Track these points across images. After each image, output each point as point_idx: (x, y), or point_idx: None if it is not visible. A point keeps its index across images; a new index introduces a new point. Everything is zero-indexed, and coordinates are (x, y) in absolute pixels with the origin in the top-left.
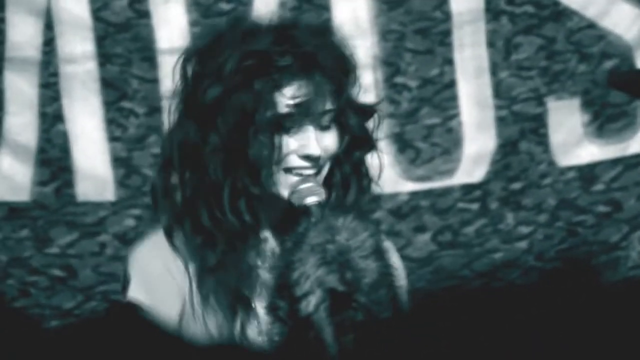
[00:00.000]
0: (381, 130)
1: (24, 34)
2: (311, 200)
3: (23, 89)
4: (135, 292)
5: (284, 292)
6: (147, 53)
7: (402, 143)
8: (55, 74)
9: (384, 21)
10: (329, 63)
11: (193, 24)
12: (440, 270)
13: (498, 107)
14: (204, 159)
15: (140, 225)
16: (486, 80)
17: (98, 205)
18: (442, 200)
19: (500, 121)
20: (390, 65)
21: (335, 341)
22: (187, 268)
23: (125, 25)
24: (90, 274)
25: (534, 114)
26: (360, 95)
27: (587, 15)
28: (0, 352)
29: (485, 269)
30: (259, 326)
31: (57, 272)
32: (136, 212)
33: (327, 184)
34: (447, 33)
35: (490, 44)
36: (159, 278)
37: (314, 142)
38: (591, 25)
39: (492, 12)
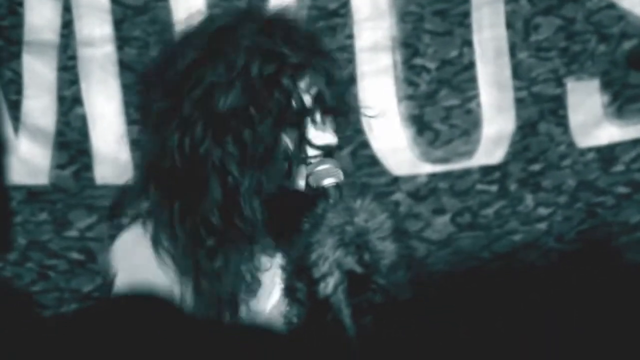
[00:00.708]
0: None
1: (42, 17)
2: (329, 181)
3: (41, 72)
4: (121, 283)
5: (302, 274)
6: (165, 36)
7: (421, 125)
8: (73, 57)
9: (403, 3)
10: (327, 52)
11: (211, 6)
12: (459, 252)
13: (517, 89)
14: (216, 162)
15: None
16: (505, 62)
17: (116, 189)
18: (461, 182)
19: (520, 102)
20: (409, 46)
21: (353, 323)
22: (172, 270)
23: (143, 8)
24: (107, 258)
25: (553, 95)
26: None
27: None
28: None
29: (504, 250)
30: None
31: (76, 256)
32: None
33: None
34: (466, 14)
35: (509, 25)
36: (145, 265)
37: (331, 130)
38: (611, 6)
39: None
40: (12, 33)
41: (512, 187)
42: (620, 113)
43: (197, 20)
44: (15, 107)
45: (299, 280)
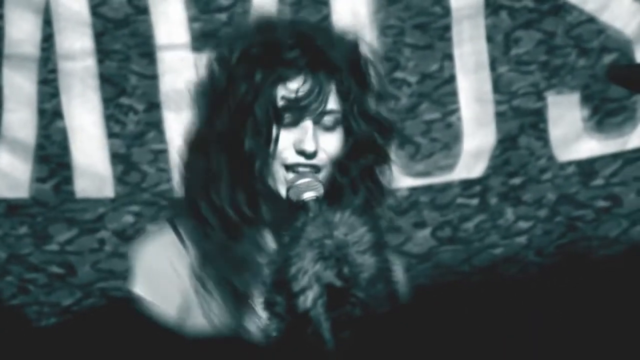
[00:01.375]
0: (393, 143)
1: (23, 30)
2: (309, 195)
3: (22, 85)
4: (139, 288)
5: (282, 288)
6: (146, 49)
7: (401, 138)
8: (53, 71)
9: (383, 16)
10: (339, 64)
11: (192, 19)
12: (439, 265)
13: (498, 102)
14: (208, 147)
15: (139, 222)
16: (486, 75)
17: (97, 202)
18: (442, 196)
19: (500, 116)
20: (389, 60)
21: (332, 336)
22: (188, 255)
23: (124, 22)
24: (89, 271)
25: (534, 109)
26: (378, 104)
27: (586, 10)
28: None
29: (484, 264)
30: (258, 322)
31: (56, 269)
32: (135, 208)
33: (333, 186)
34: (447, 28)
35: (490, 39)
36: (163, 275)
37: (311, 138)
38: (591, 20)
39: (491, 7)
40: None
41: (493, 200)
42: (600, 127)
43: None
44: None
45: (278, 293)
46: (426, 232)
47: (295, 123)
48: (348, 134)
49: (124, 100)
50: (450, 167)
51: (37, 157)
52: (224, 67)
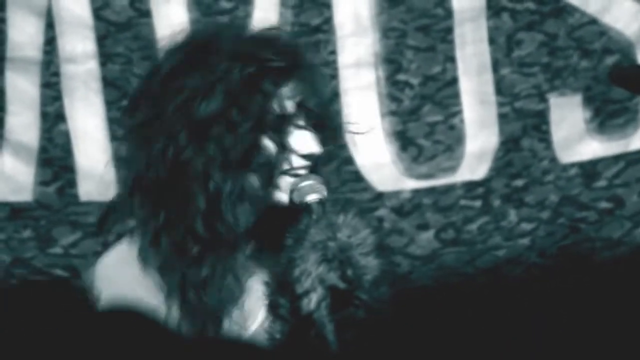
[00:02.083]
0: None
1: (25, 33)
2: (312, 197)
3: (24, 88)
4: (106, 304)
5: (285, 290)
6: (148, 52)
7: (404, 141)
8: (56, 74)
9: (385, 19)
10: (313, 60)
11: (194, 22)
12: (443, 267)
13: (500, 104)
14: (198, 169)
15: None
16: (488, 77)
17: (101, 205)
18: (445, 198)
19: (503, 118)
20: (392, 62)
21: (336, 338)
22: (158, 287)
23: (126, 24)
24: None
25: (536, 111)
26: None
27: (588, 12)
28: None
29: (488, 266)
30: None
31: (60, 272)
32: None
33: None
34: (449, 30)
35: (492, 41)
36: (128, 286)
37: (314, 140)
38: (592, 22)
39: (493, 9)
40: None
41: (496, 202)
42: (602, 128)
43: (180, 35)
44: None
45: (282, 296)
46: (429, 234)
47: (297, 127)
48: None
49: (127, 103)
50: (453, 169)
51: (40, 160)
52: (213, 91)
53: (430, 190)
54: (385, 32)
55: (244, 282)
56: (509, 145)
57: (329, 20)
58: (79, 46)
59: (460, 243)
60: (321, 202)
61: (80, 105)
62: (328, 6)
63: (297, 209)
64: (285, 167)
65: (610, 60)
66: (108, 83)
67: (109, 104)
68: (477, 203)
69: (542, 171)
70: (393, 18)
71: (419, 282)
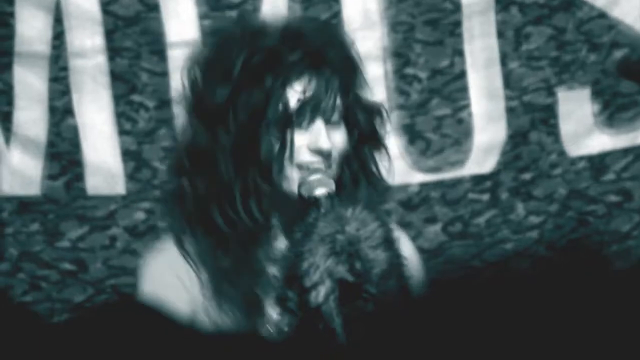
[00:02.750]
0: (388, 126)
1: (33, 28)
2: (320, 191)
3: (32, 83)
4: (147, 293)
5: (294, 283)
6: (157, 46)
7: (412, 134)
8: (64, 68)
9: (394, 13)
10: (337, 59)
11: (203, 16)
12: (451, 260)
13: (508, 98)
14: (214, 159)
15: (150, 219)
16: (496, 71)
17: (108, 199)
18: (453, 191)
19: (511, 112)
20: (400, 56)
21: (344, 332)
22: (198, 274)
23: (135, 19)
24: (101, 268)
25: (545, 105)
26: (367, 93)
27: (597, 5)
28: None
29: (495, 259)
30: (269, 324)
31: (67, 266)
32: (147, 205)
33: (337, 181)
34: (457, 24)
35: (500, 35)
36: (170, 290)
37: (325, 136)
38: (601, 15)
39: (501, 3)
40: (3, 44)
41: (504, 196)
42: (611, 122)
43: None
44: (6, 119)
45: (290, 289)
46: (437, 227)
47: (307, 123)
48: (349, 126)
49: (135, 98)
50: (461, 163)
51: (48, 155)
52: (224, 78)
53: (438, 184)
54: (394, 26)
55: (271, 269)
56: (517, 138)
57: (337, 14)
58: (88, 41)
59: (468, 236)
60: (329, 196)
61: (89, 99)
62: (336, 0)
63: (306, 203)
64: (291, 161)
65: (618, 53)
66: (116, 77)
67: (117, 98)
68: (485, 196)
69: (550, 164)
70: (401, 12)
71: (426, 275)
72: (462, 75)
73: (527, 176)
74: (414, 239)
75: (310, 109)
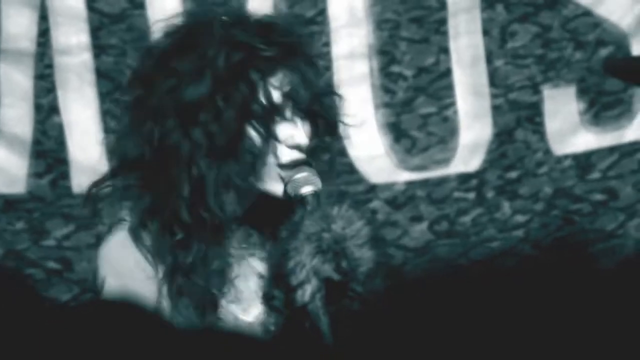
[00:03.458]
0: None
1: (19, 25)
2: (307, 189)
3: (18, 80)
4: (112, 287)
5: (280, 282)
6: (142, 43)
7: (397, 132)
8: (50, 66)
9: (379, 10)
10: (306, 52)
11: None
12: (436, 259)
13: (494, 96)
14: (184, 154)
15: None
16: (482, 69)
17: (94, 197)
18: (439, 190)
19: (496, 110)
20: (385, 54)
21: (331, 330)
22: (155, 269)
23: (120, 16)
24: (87, 266)
25: (530, 102)
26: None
27: (582, 3)
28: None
29: (481, 258)
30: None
31: (53, 265)
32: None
33: None
34: (443, 21)
35: (486, 32)
36: (132, 270)
37: (302, 130)
38: (587, 13)
39: (487, 1)
40: None
41: (489, 194)
42: (596, 120)
43: (175, 20)
44: None
45: (277, 288)
46: (423, 226)
47: (284, 118)
48: (313, 118)
49: (121, 95)
50: (446, 161)
51: (33, 153)
52: (201, 75)
53: (424, 182)
54: (379, 23)
55: (234, 270)
56: (502, 137)
57: (323, 12)
58: (73, 38)
59: (453, 235)
60: (316, 194)
61: (74, 97)
62: None
63: (292, 201)
64: (272, 157)
65: (604, 51)
66: (102, 75)
67: (103, 95)
68: (471, 195)
69: (536, 163)
70: (387, 9)
71: (412, 274)
72: (448, 73)
73: (512, 175)
74: (400, 237)
75: (291, 104)
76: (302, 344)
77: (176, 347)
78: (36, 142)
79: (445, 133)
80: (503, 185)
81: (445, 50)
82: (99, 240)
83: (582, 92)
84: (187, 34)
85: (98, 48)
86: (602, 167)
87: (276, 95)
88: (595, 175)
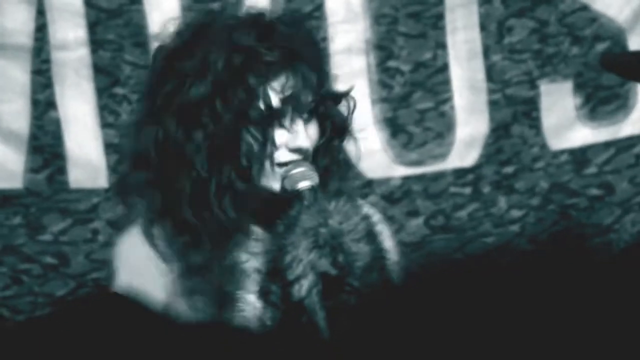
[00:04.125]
0: (355, 116)
1: (15, 20)
2: (304, 184)
3: (15, 76)
4: (123, 281)
5: (276, 276)
6: (140, 39)
7: (394, 127)
8: (47, 61)
9: (376, 5)
10: (310, 55)
11: (185, 9)
12: (432, 254)
13: (491, 91)
14: (186, 156)
15: (133, 212)
16: (479, 64)
17: (91, 192)
18: (435, 185)
19: (493, 105)
20: (382, 49)
21: (327, 325)
22: (167, 266)
23: (117, 11)
24: (83, 261)
25: (527, 97)
26: (331, 83)
27: None
28: None
29: (477, 252)
30: (246, 314)
31: (49, 260)
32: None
33: None
34: (440, 16)
35: (483, 27)
36: (145, 264)
37: (303, 133)
38: (584, 8)
39: None
40: None
41: (486, 189)
42: (593, 115)
43: (174, 23)
44: None
45: (273, 282)
46: (419, 220)
47: (285, 121)
48: (320, 119)
49: (118, 90)
50: (443, 156)
51: (30, 148)
52: (202, 76)
53: (420, 177)
54: (377, 18)
55: (243, 266)
56: (499, 132)
57: (320, 7)
58: (70, 33)
59: (450, 230)
60: (313, 189)
61: (71, 92)
62: None
63: (289, 196)
64: (272, 160)
65: (601, 47)
66: (99, 70)
67: (100, 91)
68: (467, 190)
69: (532, 158)
70: (384, 5)
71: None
72: (445, 68)
73: (509, 169)
74: (396, 232)
75: (291, 108)
76: (298, 339)
77: (177, 346)
78: (33, 137)
79: (442, 128)
80: (499, 180)
81: (442, 46)
82: (96, 235)
83: (578, 87)
84: (191, 35)
85: (95, 43)
86: (599, 161)
87: (276, 100)
88: (592, 170)
